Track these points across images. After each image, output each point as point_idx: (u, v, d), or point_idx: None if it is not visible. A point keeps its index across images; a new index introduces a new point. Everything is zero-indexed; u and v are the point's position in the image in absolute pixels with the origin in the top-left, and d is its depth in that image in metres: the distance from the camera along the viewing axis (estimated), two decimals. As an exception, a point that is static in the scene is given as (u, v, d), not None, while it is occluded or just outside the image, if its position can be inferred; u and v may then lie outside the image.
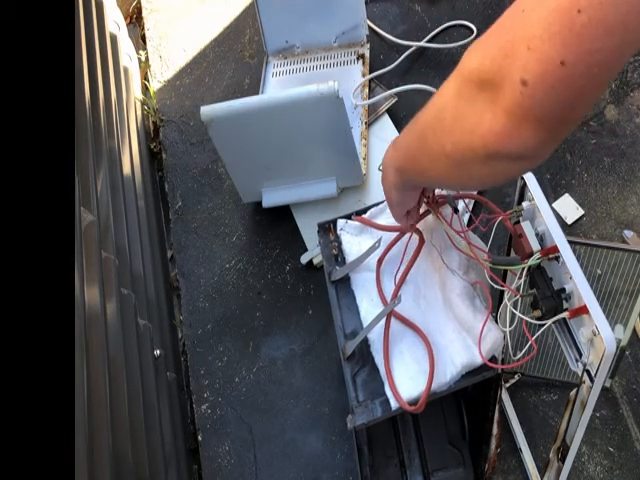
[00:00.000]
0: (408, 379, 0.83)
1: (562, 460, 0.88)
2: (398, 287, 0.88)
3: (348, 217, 1.00)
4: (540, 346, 1.09)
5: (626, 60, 0.47)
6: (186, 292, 1.37)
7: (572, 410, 0.82)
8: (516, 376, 1.16)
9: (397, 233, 0.93)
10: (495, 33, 0.50)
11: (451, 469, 1.08)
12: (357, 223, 0.98)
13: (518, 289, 0.79)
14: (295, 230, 1.36)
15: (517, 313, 0.77)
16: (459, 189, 0.86)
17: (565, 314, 0.75)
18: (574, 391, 0.81)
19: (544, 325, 0.76)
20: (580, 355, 0.76)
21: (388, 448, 1.10)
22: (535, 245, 0.78)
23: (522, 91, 0.47)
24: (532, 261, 0.77)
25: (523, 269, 0.78)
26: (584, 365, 0.75)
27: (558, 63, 0.45)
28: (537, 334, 0.75)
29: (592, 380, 0.75)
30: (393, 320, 0.88)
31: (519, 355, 0.82)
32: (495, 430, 1.00)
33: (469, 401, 1.07)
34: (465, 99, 0.53)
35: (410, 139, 0.67)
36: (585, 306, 0.72)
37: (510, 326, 0.78)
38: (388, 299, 0.89)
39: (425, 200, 0.87)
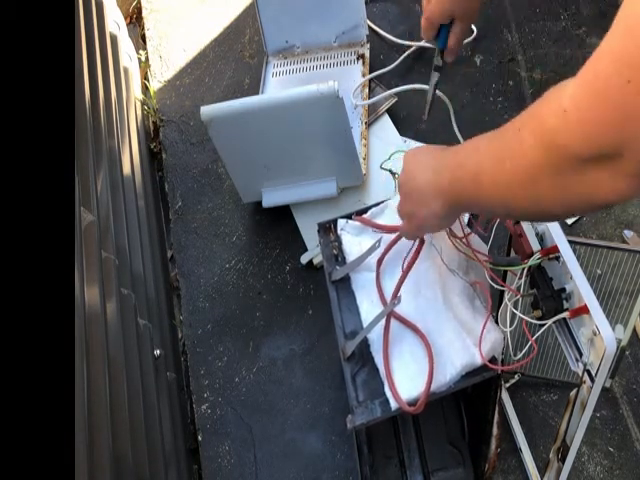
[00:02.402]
0: (408, 379, 0.83)
1: (562, 460, 0.88)
2: (398, 287, 0.88)
3: (348, 217, 1.00)
4: (540, 346, 1.09)
5: None
6: (186, 292, 1.37)
7: (572, 410, 0.82)
8: (516, 376, 1.16)
9: (397, 233, 0.93)
10: (600, 108, 0.47)
11: (451, 469, 1.08)
12: (357, 223, 0.98)
13: (518, 289, 0.79)
14: (295, 230, 1.36)
15: (518, 313, 0.77)
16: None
17: (565, 314, 0.75)
18: (574, 391, 0.81)
19: (544, 325, 0.76)
20: (580, 355, 0.76)
21: (388, 448, 1.10)
22: (535, 245, 0.78)
23: None
24: (532, 261, 0.77)
25: (523, 269, 0.78)
26: (584, 365, 0.75)
27: None
28: (537, 334, 0.75)
29: (592, 380, 0.75)
30: (393, 320, 0.88)
31: (519, 355, 0.82)
32: (495, 430, 1.00)
33: (469, 401, 1.07)
34: (569, 173, 0.51)
35: (483, 195, 0.63)
36: (585, 306, 0.72)
37: (510, 326, 0.78)
38: (388, 299, 0.89)
39: None
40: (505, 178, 0.58)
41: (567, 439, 0.85)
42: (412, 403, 0.81)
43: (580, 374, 0.77)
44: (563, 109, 0.49)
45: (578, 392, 0.80)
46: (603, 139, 0.47)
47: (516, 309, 0.78)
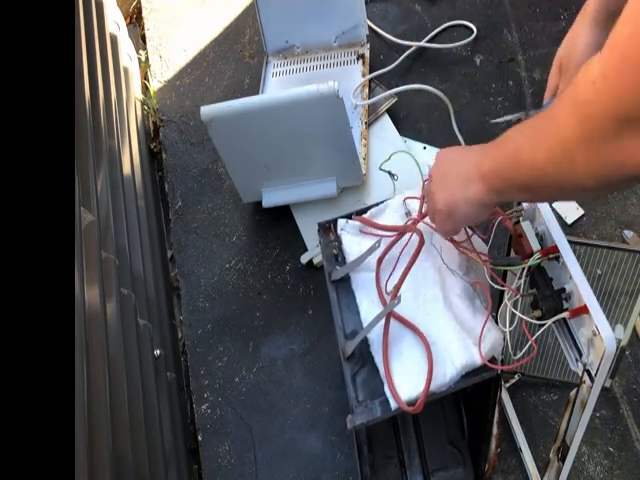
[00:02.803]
0: (407, 379, 0.83)
1: (562, 460, 0.88)
2: (398, 287, 0.88)
3: (348, 217, 1.00)
4: (540, 346, 1.09)
5: None
6: (186, 292, 1.37)
7: (572, 410, 0.82)
8: (516, 376, 1.16)
9: (396, 233, 0.93)
10: (624, 70, 0.48)
11: (451, 469, 1.08)
12: (357, 223, 0.98)
13: (518, 289, 0.79)
14: (295, 230, 1.36)
15: (517, 313, 0.77)
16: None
17: (565, 314, 0.75)
18: (574, 391, 0.81)
19: (544, 325, 0.76)
20: (580, 355, 0.76)
21: (388, 448, 1.10)
22: (535, 245, 0.78)
23: None
24: (532, 261, 0.77)
25: (523, 269, 0.78)
26: (584, 365, 0.75)
27: None
28: (537, 334, 0.75)
29: (592, 380, 0.75)
30: (393, 320, 0.88)
31: (519, 355, 0.82)
32: (495, 430, 1.00)
33: (469, 401, 1.07)
34: (600, 141, 0.52)
35: (522, 174, 0.64)
36: (585, 306, 0.72)
37: (510, 326, 0.78)
38: (388, 300, 0.89)
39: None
40: (542, 156, 0.59)
41: (567, 439, 0.85)
42: (412, 403, 0.81)
43: (580, 374, 0.77)
44: (592, 81, 0.51)
45: (578, 392, 0.80)
46: (630, 102, 0.48)
47: (516, 309, 0.78)
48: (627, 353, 1.16)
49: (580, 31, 0.83)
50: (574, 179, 0.57)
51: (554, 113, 0.57)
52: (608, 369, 0.72)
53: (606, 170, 0.54)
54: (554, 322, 0.77)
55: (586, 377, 0.76)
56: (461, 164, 0.73)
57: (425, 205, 0.87)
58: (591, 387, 0.75)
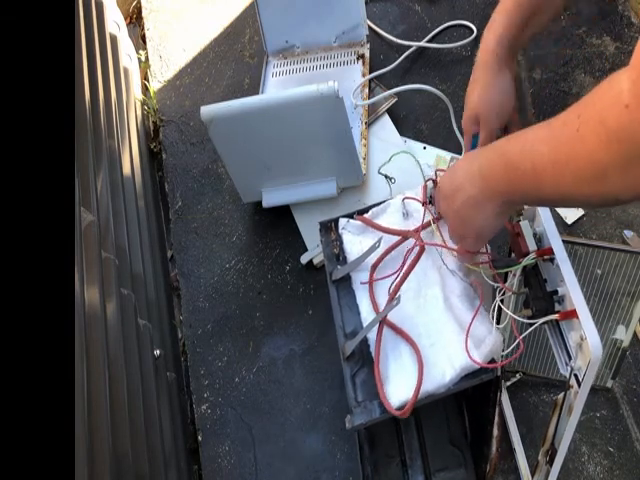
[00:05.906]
0: (405, 381, 0.83)
1: (550, 463, 0.88)
2: (396, 290, 0.87)
3: (350, 216, 1.00)
4: (542, 346, 1.09)
5: None
6: (186, 292, 1.37)
7: (560, 414, 0.82)
8: (517, 375, 1.15)
9: (397, 236, 0.93)
10: None
11: (453, 470, 1.07)
12: (359, 223, 0.98)
13: (512, 287, 0.79)
14: (295, 230, 1.36)
15: (506, 310, 0.77)
16: None
17: (555, 316, 0.75)
18: (561, 395, 0.80)
19: (533, 324, 0.76)
20: (569, 358, 0.76)
21: (390, 448, 1.10)
22: (531, 245, 0.78)
23: None
24: (526, 261, 0.77)
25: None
26: (572, 369, 0.75)
27: None
28: (525, 333, 0.76)
29: (579, 385, 0.74)
30: (390, 322, 0.88)
31: (507, 351, 0.82)
32: (495, 432, 1.00)
33: (470, 402, 1.07)
34: (638, 163, 0.51)
35: (545, 191, 0.62)
36: (575, 310, 0.71)
37: (500, 323, 0.79)
38: (384, 303, 0.89)
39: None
40: (570, 178, 0.58)
41: (555, 442, 0.85)
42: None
43: (568, 378, 0.76)
44: (624, 105, 0.49)
45: (565, 396, 0.79)
46: None
47: (509, 306, 0.78)
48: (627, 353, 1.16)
49: (489, 80, 0.82)
50: (606, 195, 0.57)
51: (580, 135, 0.55)
52: (595, 375, 0.72)
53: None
54: (546, 323, 0.77)
55: (574, 381, 0.75)
56: (469, 191, 0.72)
57: (428, 214, 0.89)
58: (578, 392, 0.75)
